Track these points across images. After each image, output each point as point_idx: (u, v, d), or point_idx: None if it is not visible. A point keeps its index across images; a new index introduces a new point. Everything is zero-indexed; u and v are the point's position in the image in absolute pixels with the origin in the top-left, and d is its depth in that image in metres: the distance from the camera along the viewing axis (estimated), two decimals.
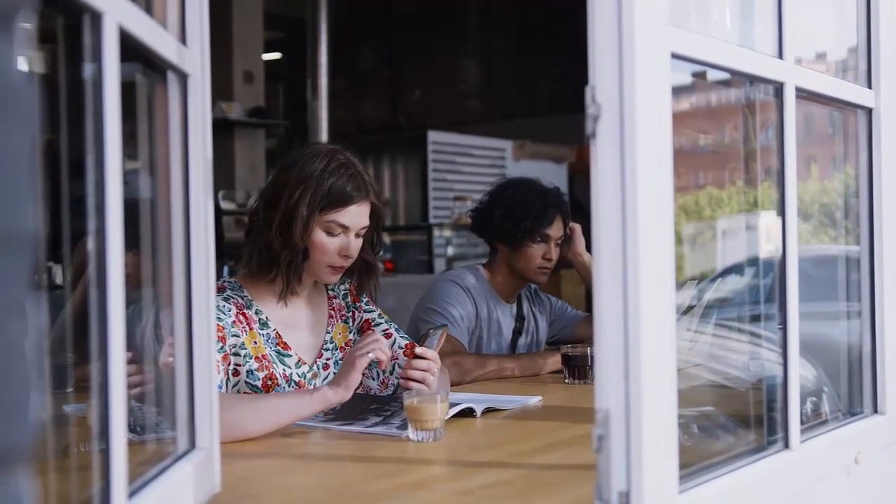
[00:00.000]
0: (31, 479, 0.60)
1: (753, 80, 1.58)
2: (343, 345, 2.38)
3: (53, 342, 1.24)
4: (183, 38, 1.35)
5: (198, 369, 1.38)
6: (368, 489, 1.56)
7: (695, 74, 1.49)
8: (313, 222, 2.18)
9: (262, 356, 2.19)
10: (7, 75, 0.54)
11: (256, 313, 2.24)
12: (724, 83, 1.74)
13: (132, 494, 1.09)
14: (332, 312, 2.39)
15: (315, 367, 2.30)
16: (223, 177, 7.27)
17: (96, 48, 1.00)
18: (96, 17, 0.99)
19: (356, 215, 2.22)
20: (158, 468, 1.25)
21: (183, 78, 1.35)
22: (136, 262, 1.29)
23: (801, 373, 1.56)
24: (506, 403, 2.28)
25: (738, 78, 1.62)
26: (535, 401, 2.37)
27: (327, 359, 2.34)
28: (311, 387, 2.25)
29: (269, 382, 2.18)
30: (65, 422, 1.51)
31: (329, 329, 2.37)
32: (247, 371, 2.16)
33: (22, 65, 0.57)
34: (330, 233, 2.20)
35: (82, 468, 1.25)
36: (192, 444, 1.38)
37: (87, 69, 1.00)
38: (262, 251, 2.22)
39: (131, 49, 1.10)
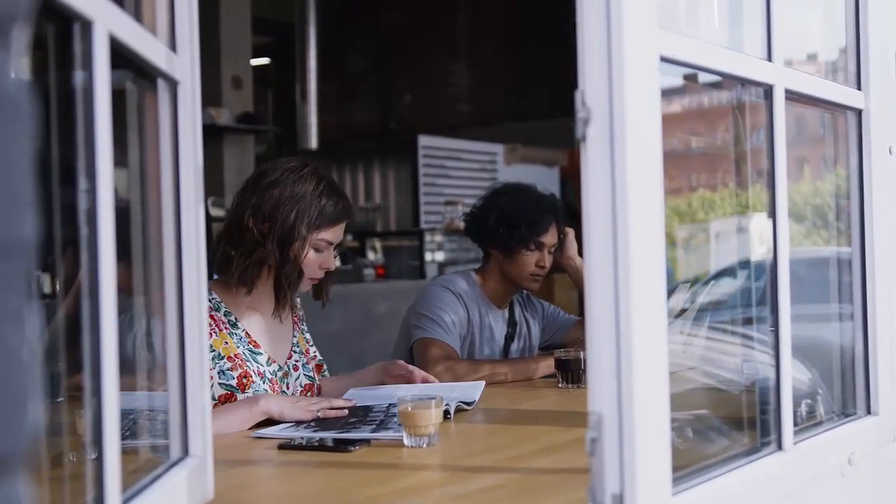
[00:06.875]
0: (29, 486, 0.60)
1: (743, 82, 1.58)
2: (304, 351, 2.49)
3: (45, 351, 1.24)
4: (173, 45, 1.35)
5: (190, 377, 1.38)
6: (363, 495, 1.56)
7: (686, 77, 1.50)
8: (308, 242, 2.28)
9: (235, 355, 2.27)
10: (5, 85, 0.54)
11: (225, 315, 2.31)
12: (715, 85, 1.75)
13: (126, 502, 1.09)
14: (296, 320, 2.51)
15: (286, 366, 2.40)
16: (212, 183, 7.24)
17: (86, 55, 0.99)
18: (87, 25, 0.99)
19: (341, 233, 2.37)
20: (152, 476, 1.25)
21: (173, 85, 1.35)
22: (126, 270, 1.28)
23: (795, 375, 1.57)
24: (460, 392, 2.31)
25: (729, 80, 1.62)
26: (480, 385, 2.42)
27: (296, 361, 2.44)
28: (284, 386, 2.37)
29: (245, 380, 2.26)
30: (57, 431, 1.50)
31: (295, 334, 2.48)
32: (219, 372, 2.23)
33: (19, 74, 0.57)
34: (317, 249, 2.32)
35: (72, 477, 1.25)
36: (186, 452, 1.37)
37: (78, 76, 1.00)
38: (255, 265, 2.28)
39: (120, 56, 1.10)
